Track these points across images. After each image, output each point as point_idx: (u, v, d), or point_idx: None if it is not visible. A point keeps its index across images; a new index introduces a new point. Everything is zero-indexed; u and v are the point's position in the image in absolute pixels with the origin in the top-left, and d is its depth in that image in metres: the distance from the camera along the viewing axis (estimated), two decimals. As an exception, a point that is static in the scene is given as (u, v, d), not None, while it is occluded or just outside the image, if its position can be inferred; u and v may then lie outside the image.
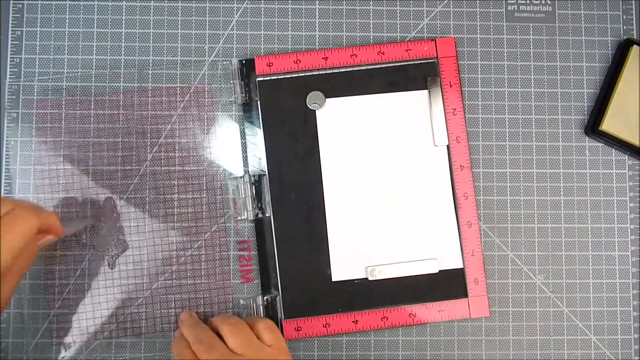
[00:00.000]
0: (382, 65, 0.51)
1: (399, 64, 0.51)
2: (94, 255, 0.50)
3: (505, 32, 0.53)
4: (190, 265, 0.50)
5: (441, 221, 0.50)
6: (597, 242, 0.51)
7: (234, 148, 0.51)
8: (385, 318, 0.49)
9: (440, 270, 0.50)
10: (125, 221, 0.50)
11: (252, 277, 0.50)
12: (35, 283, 0.49)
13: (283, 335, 0.49)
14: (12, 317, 0.49)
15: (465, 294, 0.50)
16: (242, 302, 0.49)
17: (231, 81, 0.51)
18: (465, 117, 0.51)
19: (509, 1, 0.53)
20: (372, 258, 0.50)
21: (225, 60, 0.51)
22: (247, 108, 0.51)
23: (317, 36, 0.52)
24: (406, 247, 0.50)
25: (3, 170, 0.50)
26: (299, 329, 0.49)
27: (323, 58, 0.51)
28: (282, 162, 0.50)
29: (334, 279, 0.50)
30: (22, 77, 0.51)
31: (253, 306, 0.49)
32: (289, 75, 0.51)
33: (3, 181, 0.50)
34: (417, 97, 0.51)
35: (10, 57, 0.51)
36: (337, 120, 0.51)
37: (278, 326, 0.49)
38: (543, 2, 0.53)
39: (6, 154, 0.50)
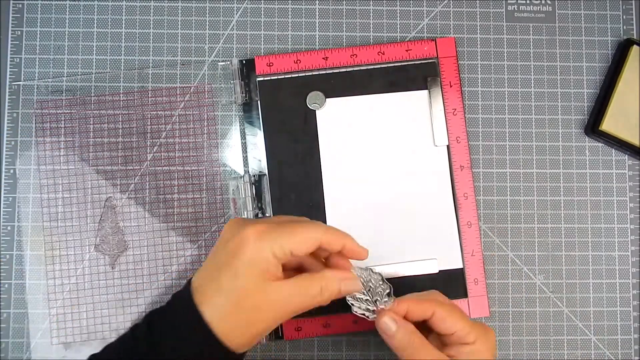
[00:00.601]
0: (382, 65, 0.51)
1: (399, 64, 0.51)
2: (94, 255, 0.50)
3: (505, 32, 0.53)
4: (190, 265, 0.50)
5: (441, 221, 0.50)
6: (597, 242, 0.51)
7: (234, 148, 0.51)
8: (385, 318, 0.49)
9: (440, 271, 0.50)
10: (126, 221, 0.50)
11: (252, 277, 0.50)
12: (35, 283, 0.49)
13: (282, 336, 0.49)
14: (12, 317, 0.49)
15: (465, 294, 0.50)
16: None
17: (231, 81, 0.51)
18: (465, 117, 0.51)
19: (509, 1, 0.53)
20: (372, 258, 0.50)
21: (225, 60, 0.51)
22: (247, 108, 0.51)
23: (317, 36, 0.52)
24: (406, 247, 0.50)
25: (3, 170, 0.50)
26: (299, 329, 0.49)
27: (323, 58, 0.51)
28: (282, 162, 0.50)
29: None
30: (22, 77, 0.51)
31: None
32: (289, 75, 0.51)
33: (3, 181, 0.50)
34: (417, 97, 0.51)
35: (10, 57, 0.51)
36: (337, 120, 0.51)
37: (278, 326, 0.49)
38: (543, 2, 0.53)
39: (6, 154, 0.50)
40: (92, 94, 0.51)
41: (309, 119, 0.51)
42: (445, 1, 0.53)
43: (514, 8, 0.53)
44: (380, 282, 0.40)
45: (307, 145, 0.50)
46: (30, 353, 0.49)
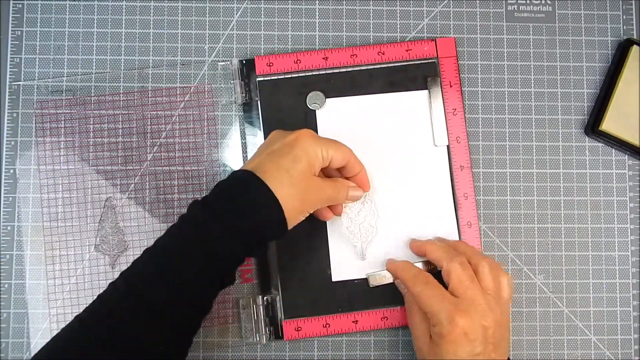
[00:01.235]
0: (382, 65, 0.51)
1: (399, 64, 0.51)
2: (94, 255, 0.50)
3: (505, 32, 0.53)
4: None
5: (441, 221, 0.50)
6: (597, 242, 0.51)
7: (234, 148, 0.51)
8: (385, 318, 0.49)
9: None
10: (126, 221, 0.50)
11: (252, 277, 0.50)
12: (35, 283, 0.49)
13: (282, 336, 0.49)
14: (12, 317, 0.49)
15: (465, 294, 0.50)
16: (241, 302, 0.49)
17: (231, 81, 0.51)
18: (465, 117, 0.51)
19: (509, 1, 0.53)
20: (373, 256, 0.50)
21: (225, 60, 0.51)
22: (247, 108, 0.51)
23: (317, 36, 0.52)
24: (406, 247, 0.50)
25: (3, 170, 0.50)
26: (299, 329, 0.49)
27: (323, 58, 0.51)
28: (282, 162, 0.50)
29: (334, 279, 0.50)
30: (22, 77, 0.51)
31: (253, 306, 0.49)
32: (289, 75, 0.51)
33: (3, 181, 0.50)
34: (417, 97, 0.51)
35: (10, 57, 0.51)
36: (337, 120, 0.51)
37: (278, 326, 0.49)
38: (543, 2, 0.53)
39: (6, 154, 0.50)
40: (92, 94, 0.51)
41: (309, 119, 0.51)
42: (445, 1, 0.53)
43: (514, 8, 0.53)
44: None
45: (307, 145, 0.50)
46: (30, 353, 0.49)
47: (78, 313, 0.39)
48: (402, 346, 0.50)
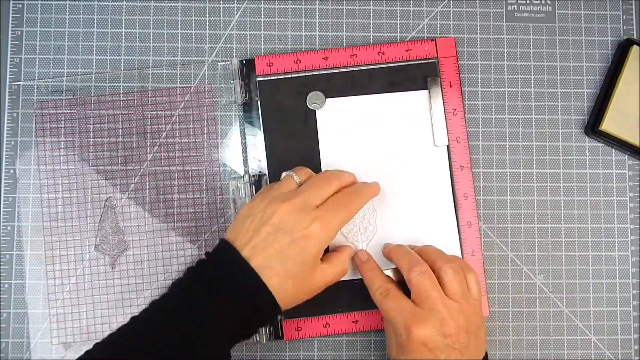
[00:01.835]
0: (382, 65, 0.51)
1: (399, 64, 0.51)
2: (94, 255, 0.50)
3: (505, 32, 0.53)
4: (190, 264, 0.50)
5: (441, 221, 0.50)
6: (597, 242, 0.51)
7: (234, 148, 0.51)
8: (385, 318, 0.49)
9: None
10: (126, 221, 0.50)
11: (252, 277, 0.50)
12: (35, 283, 0.49)
13: (282, 336, 0.49)
14: (12, 317, 0.49)
15: (465, 294, 0.50)
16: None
17: (231, 81, 0.51)
18: (465, 117, 0.51)
19: (509, 1, 0.53)
20: (373, 257, 0.50)
21: (225, 60, 0.51)
22: (247, 108, 0.51)
23: (317, 36, 0.52)
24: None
25: (3, 170, 0.50)
26: (299, 329, 0.49)
27: (323, 58, 0.51)
28: (282, 162, 0.50)
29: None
30: (22, 77, 0.51)
31: (253, 306, 0.49)
32: (289, 75, 0.51)
33: (3, 181, 0.50)
34: (417, 97, 0.51)
35: (10, 57, 0.51)
36: (337, 120, 0.51)
37: (278, 326, 0.49)
38: (543, 2, 0.53)
39: (6, 154, 0.50)
40: (92, 94, 0.51)
41: (309, 119, 0.51)
42: (445, 1, 0.53)
43: (514, 8, 0.53)
44: None
45: (307, 145, 0.50)
46: (30, 353, 0.49)
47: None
48: (402, 346, 0.50)
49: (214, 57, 0.52)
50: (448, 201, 0.50)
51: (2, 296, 0.49)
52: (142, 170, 0.50)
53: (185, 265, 0.50)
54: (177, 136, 0.51)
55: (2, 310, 0.49)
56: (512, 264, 0.51)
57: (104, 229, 0.50)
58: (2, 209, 0.50)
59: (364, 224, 0.50)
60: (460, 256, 0.50)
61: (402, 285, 0.45)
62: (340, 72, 0.51)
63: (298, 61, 0.51)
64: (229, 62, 0.51)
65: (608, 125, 0.50)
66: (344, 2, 0.53)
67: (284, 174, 0.46)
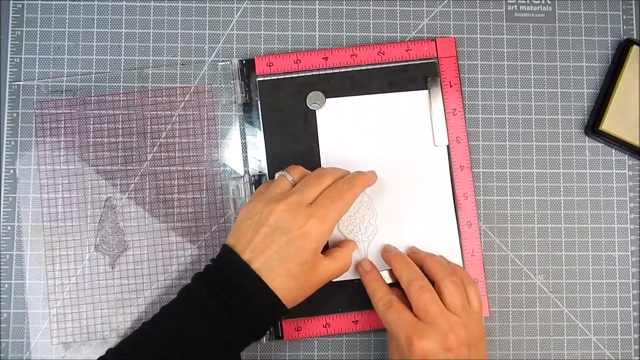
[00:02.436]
0: (382, 65, 0.51)
1: (399, 64, 0.51)
2: (94, 255, 0.50)
3: (505, 32, 0.53)
4: (190, 265, 0.50)
5: (441, 221, 0.50)
6: (597, 242, 0.51)
7: (234, 148, 0.51)
8: (385, 318, 0.49)
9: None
10: (126, 221, 0.50)
11: (252, 277, 0.50)
12: (35, 283, 0.49)
13: (282, 336, 0.49)
14: (12, 317, 0.49)
15: (465, 294, 0.50)
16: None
17: (231, 81, 0.51)
18: (465, 117, 0.51)
19: (509, 1, 0.53)
20: (372, 258, 0.50)
21: (225, 60, 0.51)
22: (247, 108, 0.51)
23: (317, 36, 0.52)
24: (406, 247, 0.50)
25: (3, 170, 0.50)
26: (299, 329, 0.49)
27: (323, 58, 0.51)
28: (282, 162, 0.50)
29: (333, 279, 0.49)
30: (22, 77, 0.51)
31: (253, 306, 0.49)
32: (289, 75, 0.51)
33: (3, 181, 0.50)
34: (417, 97, 0.51)
35: (10, 57, 0.51)
36: (337, 120, 0.51)
37: (278, 326, 0.49)
38: (543, 2, 0.53)
39: (6, 154, 0.50)
40: (92, 94, 0.51)
41: (309, 119, 0.51)
42: (445, 1, 0.53)
43: (514, 8, 0.53)
44: None
45: (307, 145, 0.50)
46: (30, 353, 0.49)
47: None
48: (402, 346, 0.50)
49: (214, 57, 0.52)
50: (448, 201, 0.50)
51: (2, 296, 0.49)
52: (142, 170, 0.50)
53: (185, 265, 0.50)
54: (177, 136, 0.51)
55: (2, 310, 0.49)
56: (512, 264, 0.51)
57: (104, 229, 0.50)
58: (2, 209, 0.50)
59: (364, 224, 0.50)
60: (460, 256, 0.50)
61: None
62: (340, 72, 0.51)
63: (298, 61, 0.51)
64: (229, 62, 0.51)
65: (608, 125, 0.50)
66: (344, 2, 0.53)
67: (277, 174, 0.46)
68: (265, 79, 0.51)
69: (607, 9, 0.53)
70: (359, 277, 0.49)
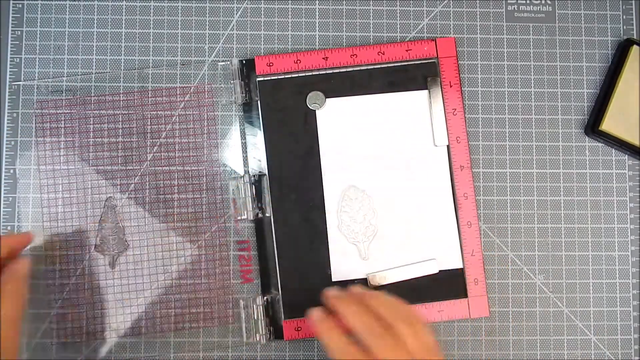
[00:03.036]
0: (382, 65, 0.51)
1: (399, 64, 0.51)
2: (94, 255, 0.50)
3: (505, 32, 0.53)
4: (190, 265, 0.50)
5: (441, 221, 0.50)
6: (597, 242, 0.51)
7: (234, 148, 0.51)
8: (385, 318, 0.49)
9: (440, 271, 0.50)
10: (126, 221, 0.50)
11: (252, 277, 0.50)
12: (35, 283, 0.49)
13: (282, 336, 0.49)
14: (12, 317, 0.49)
15: (465, 294, 0.50)
16: (241, 302, 0.49)
17: (231, 81, 0.51)
18: (465, 117, 0.51)
19: (509, 1, 0.53)
20: (372, 259, 0.50)
21: (225, 60, 0.51)
22: (247, 108, 0.51)
23: (317, 36, 0.52)
24: (406, 247, 0.50)
25: (3, 170, 0.50)
26: (299, 329, 0.49)
27: (323, 58, 0.51)
28: (282, 162, 0.50)
29: (334, 279, 0.50)
30: (22, 77, 0.51)
31: (253, 306, 0.49)
32: (289, 75, 0.51)
33: (3, 181, 0.50)
34: (417, 97, 0.51)
35: (10, 57, 0.51)
36: (337, 120, 0.51)
37: (278, 326, 0.49)
38: (543, 2, 0.53)
39: (6, 154, 0.50)
40: (92, 94, 0.51)
41: (309, 119, 0.51)
42: (445, 1, 0.53)
43: (514, 8, 0.53)
44: None
45: (307, 145, 0.50)
46: (30, 353, 0.49)
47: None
48: (402, 346, 0.50)
49: (214, 57, 0.52)
50: (448, 201, 0.50)
51: (2, 296, 0.49)
52: (142, 170, 0.50)
53: (185, 265, 0.50)
54: (177, 136, 0.51)
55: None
56: (512, 264, 0.51)
57: (104, 229, 0.50)
58: (2, 209, 0.50)
59: (364, 224, 0.50)
60: (460, 256, 0.50)
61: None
62: (340, 72, 0.51)
63: (298, 61, 0.51)
64: (229, 62, 0.51)
65: (608, 125, 0.50)
66: (344, 2, 0.53)
67: None
68: (265, 79, 0.51)
69: (607, 9, 0.53)
70: (359, 277, 0.50)
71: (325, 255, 0.50)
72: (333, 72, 0.51)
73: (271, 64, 0.51)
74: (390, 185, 0.50)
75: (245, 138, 0.51)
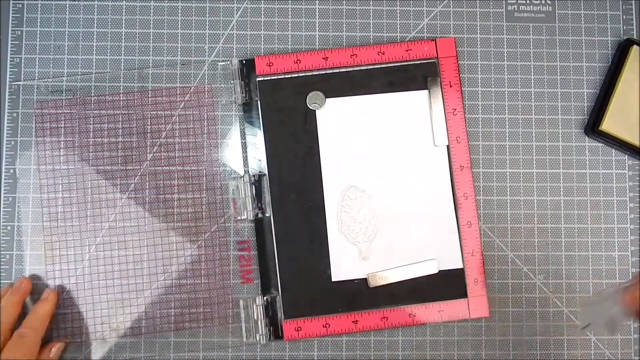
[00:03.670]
0: (382, 65, 0.51)
1: (399, 64, 0.51)
2: (94, 255, 0.50)
3: (505, 32, 0.53)
4: (190, 265, 0.50)
5: (441, 221, 0.50)
6: (597, 242, 0.51)
7: (234, 148, 0.51)
8: (385, 318, 0.49)
9: (440, 271, 0.50)
10: (126, 221, 0.50)
11: (252, 277, 0.50)
12: (36, 283, 0.49)
13: (282, 336, 0.49)
14: (12, 317, 0.49)
15: (465, 294, 0.50)
16: (241, 302, 0.49)
17: (231, 81, 0.51)
18: (465, 117, 0.51)
19: (509, 1, 0.53)
20: (373, 259, 0.50)
21: (225, 60, 0.51)
22: (247, 108, 0.51)
23: (317, 36, 0.52)
24: (406, 247, 0.50)
25: (3, 170, 0.50)
26: (299, 329, 0.49)
27: (323, 58, 0.51)
28: (282, 162, 0.50)
29: (334, 279, 0.50)
30: (22, 77, 0.51)
31: (253, 306, 0.49)
32: (289, 75, 0.51)
33: (3, 181, 0.50)
34: (417, 97, 0.51)
35: (10, 57, 0.51)
36: (337, 120, 0.51)
37: (278, 326, 0.49)
38: (543, 2, 0.53)
39: (6, 154, 0.50)
40: (92, 94, 0.51)
41: (309, 119, 0.51)
42: (445, 1, 0.53)
43: (514, 8, 0.53)
44: None
45: (307, 145, 0.50)
46: (30, 353, 0.49)
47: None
48: (402, 346, 0.50)
49: (214, 57, 0.52)
50: (448, 201, 0.50)
51: (2, 296, 0.49)
52: (142, 170, 0.50)
53: (185, 265, 0.50)
54: (177, 136, 0.51)
55: (2, 310, 0.49)
56: (512, 264, 0.51)
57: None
58: (2, 209, 0.50)
59: (365, 224, 0.50)
60: (460, 256, 0.50)
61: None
62: (340, 72, 0.51)
63: (298, 61, 0.51)
64: (229, 62, 0.51)
65: (608, 125, 0.50)
66: (344, 2, 0.53)
67: None
68: (265, 79, 0.51)
69: (607, 9, 0.53)
70: (359, 277, 0.50)
71: (325, 255, 0.50)
72: (333, 72, 0.51)
73: (271, 64, 0.51)
74: (390, 185, 0.50)
75: (245, 138, 0.51)
